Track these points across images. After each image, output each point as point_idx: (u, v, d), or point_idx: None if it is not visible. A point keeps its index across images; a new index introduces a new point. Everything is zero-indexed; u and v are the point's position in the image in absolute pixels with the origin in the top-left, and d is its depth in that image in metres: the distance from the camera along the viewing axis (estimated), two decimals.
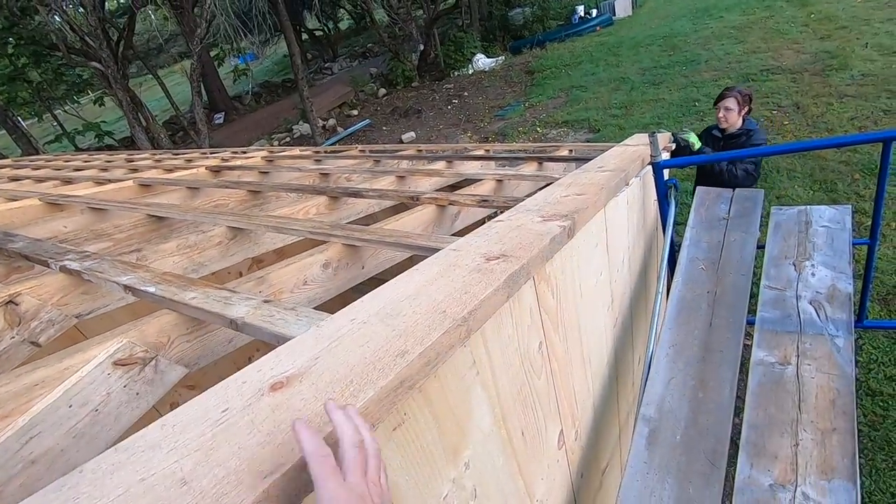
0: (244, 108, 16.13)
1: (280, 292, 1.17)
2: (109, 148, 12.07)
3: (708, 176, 2.87)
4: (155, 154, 5.53)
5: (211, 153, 5.11)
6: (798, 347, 1.51)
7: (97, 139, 12.02)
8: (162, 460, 0.52)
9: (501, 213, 1.40)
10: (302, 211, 1.90)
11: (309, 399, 0.61)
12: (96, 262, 1.23)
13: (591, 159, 2.80)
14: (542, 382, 1.20)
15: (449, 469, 0.83)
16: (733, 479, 1.32)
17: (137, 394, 0.87)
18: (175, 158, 4.57)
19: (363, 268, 1.42)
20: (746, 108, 2.81)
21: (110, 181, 2.94)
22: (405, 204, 2.85)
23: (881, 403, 2.42)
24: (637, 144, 1.93)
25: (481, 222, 2.72)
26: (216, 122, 15.00)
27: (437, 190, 2.26)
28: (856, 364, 1.51)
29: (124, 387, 0.85)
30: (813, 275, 1.68)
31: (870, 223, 3.44)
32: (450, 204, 1.70)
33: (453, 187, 2.51)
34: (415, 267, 0.96)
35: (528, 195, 2.22)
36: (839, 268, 1.67)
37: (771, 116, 5.50)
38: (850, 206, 1.86)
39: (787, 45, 7.56)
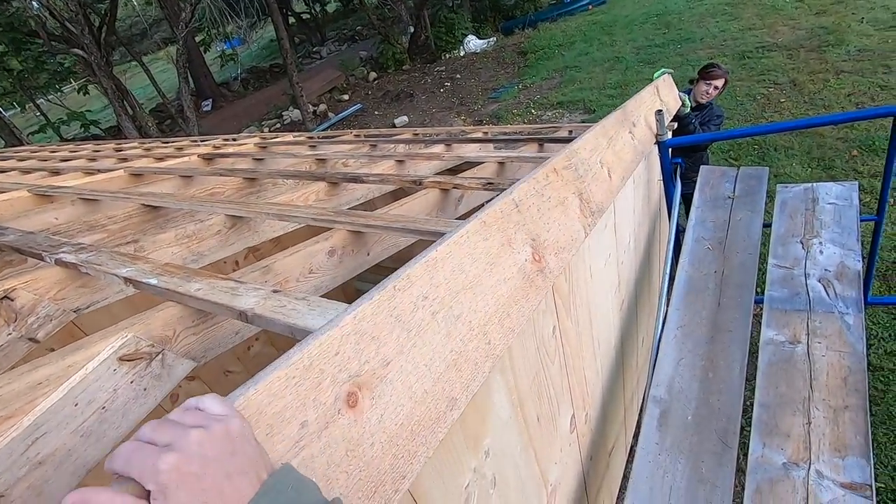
0: (232, 95, 15.84)
1: (286, 281, 1.14)
2: (95, 138, 11.84)
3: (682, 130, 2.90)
4: (144, 143, 5.41)
5: (202, 141, 5.01)
6: (808, 326, 1.50)
7: (83, 129, 11.76)
8: None
9: None
10: (301, 197, 1.86)
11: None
12: (93, 255, 1.19)
13: None
14: (556, 367, 1.18)
15: (470, 458, 0.81)
16: (745, 458, 1.32)
17: (145, 389, 0.84)
18: (165, 147, 4.48)
19: (368, 254, 1.38)
20: (722, 90, 2.90)
21: (100, 171, 2.87)
22: (404, 189, 2.81)
23: (882, 378, 2.44)
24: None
25: (481, 206, 2.68)
26: (204, 108, 14.73)
27: (437, 173, 2.22)
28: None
29: (131, 382, 0.82)
30: (821, 252, 1.67)
31: (868, 200, 3.44)
32: (454, 188, 1.66)
33: (453, 171, 2.47)
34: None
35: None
36: (847, 245, 1.65)
37: (768, 94, 5.46)
38: (856, 183, 1.85)
39: (782, 21, 7.49)
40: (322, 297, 0.95)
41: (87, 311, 1.18)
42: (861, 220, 1.76)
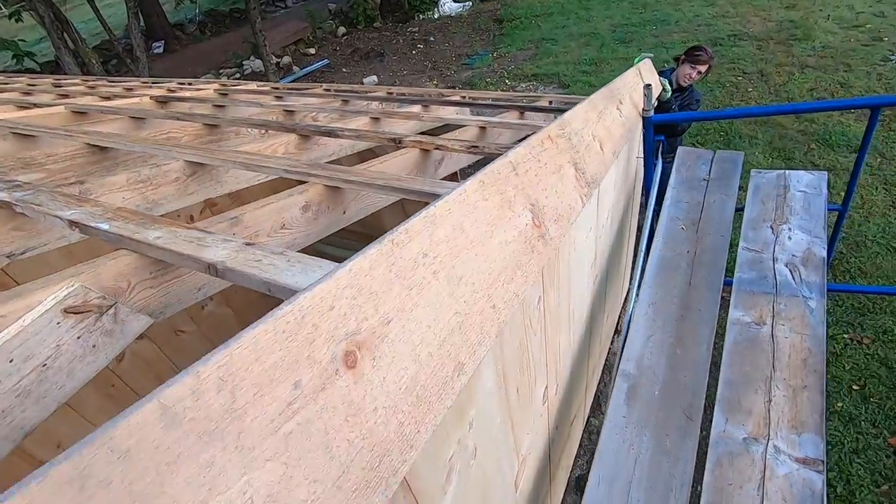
0: (187, 38, 14.73)
1: (256, 235, 1.04)
2: (30, 72, 10.75)
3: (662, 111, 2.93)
4: (87, 80, 4.95)
5: (154, 83, 4.62)
6: (773, 308, 1.54)
7: (14, 60, 10.63)
8: None
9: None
10: (269, 149, 1.73)
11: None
12: (30, 194, 1.05)
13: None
14: (538, 339, 1.15)
15: (456, 430, 0.77)
16: (708, 432, 1.36)
17: (94, 346, 0.75)
18: (112, 86, 4.10)
19: (345, 212, 1.30)
20: (706, 74, 2.92)
21: (37, 106, 2.58)
22: (374, 150, 2.69)
23: None
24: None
25: (462, 169, 2.61)
26: (155, 50, 13.65)
27: (417, 134, 2.12)
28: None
29: (77, 338, 0.72)
30: (789, 238, 1.71)
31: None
32: (436, 148, 1.58)
33: (429, 133, 2.37)
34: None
35: (514, 143, 2.13)
36: (814, 232, 1.70)
37: (736, 82, 5.57)
38: (826, 173, 1.90)
39: (754, 11, 7.61)
40: None
41: (23, 257, 1.04)
42: (827, 209, 1.81)
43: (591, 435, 2.55)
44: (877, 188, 3.65)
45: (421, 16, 12.10)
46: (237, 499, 0.38)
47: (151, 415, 0.35)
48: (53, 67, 11.36)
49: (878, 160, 3.91)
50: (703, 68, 2.76)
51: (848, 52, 5.63)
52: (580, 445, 2.46)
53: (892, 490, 2.07)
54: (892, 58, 5.30)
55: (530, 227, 0.88)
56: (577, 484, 2.34)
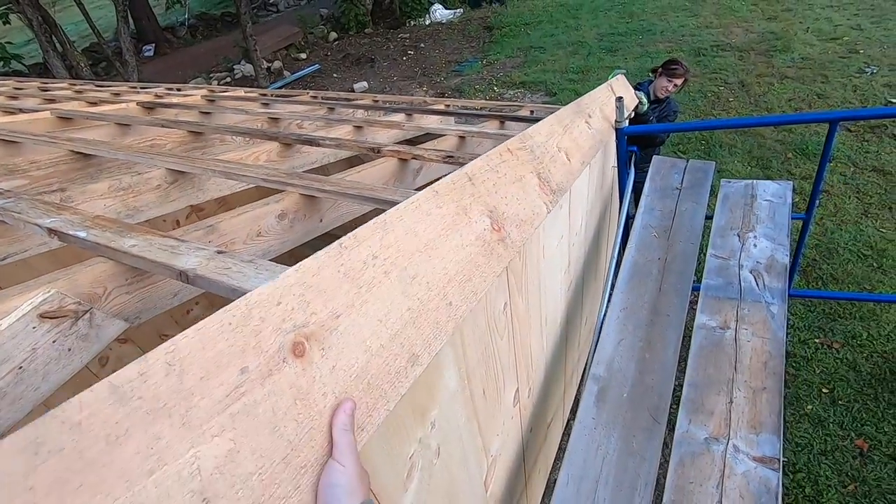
0: (178, 42, 14.70)
1: (232, 243, 1.08)
2: (17, 74, 10.68)
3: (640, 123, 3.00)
4: (74, 84, 4.94)
5: (142, 88, 4.63)
6: (737, 313, 1.60)
7: (1, 63, 10.57)
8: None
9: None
10: (252, 157, 1.76)
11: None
12: (11, 201, 1.08)
13: None
14: (505, 342, 1.20)
15: (416, 428, 0.81)
16: (673, 432, 1.41)
17: (69, 350, 0.78)
18: (99, 91, 4.11)
19: (321, 220, 1.34)
20: (682, 86, 2.99)
21: (22, 111, 2.60)
22: (360, 157, 2.73)
23: (794, 364, 2.68)
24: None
25: (436, 180, 2.65)
26: (146, 53, 13.61)
27: (397, 143, 2.17)
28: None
29: (53, 342, 0.76)
30: (755, 246, 1.78)
31: (797, 200, 3.70)
32: (413, 158, 1.63)
33: (411, 142, 2.42)
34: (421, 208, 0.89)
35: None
36: (778, 240, 1.77)
37: (718, 92, 5.69)
38: (791, 183, 1.97)
39: (737, 22, 7.78)
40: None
41: (3, 263, 1.07)
42: (791, 218, 1.88)
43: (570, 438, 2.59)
44: (849, 197, 3.75)
45: (412, 22, 12.19)
46: (185, 468, 0.42)
47: (102, 392, 0.40)
48: (41, 70, 11.29)
49: (852, 170, 4.03)
50: (678, 81, 2.84)
51: (826, 64, 5.78)
52: (559, 448, 2.50)
53: (858, 489, 2.14)
54: (867, 70, 5.45)
55: (489, 231, 0.93)
56: (555, 487, 2.38)
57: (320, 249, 0.80)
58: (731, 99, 5.50)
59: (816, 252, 3.30)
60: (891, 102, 4.75)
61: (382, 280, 0.69)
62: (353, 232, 0.70)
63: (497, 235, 0.95)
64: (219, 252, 0.83)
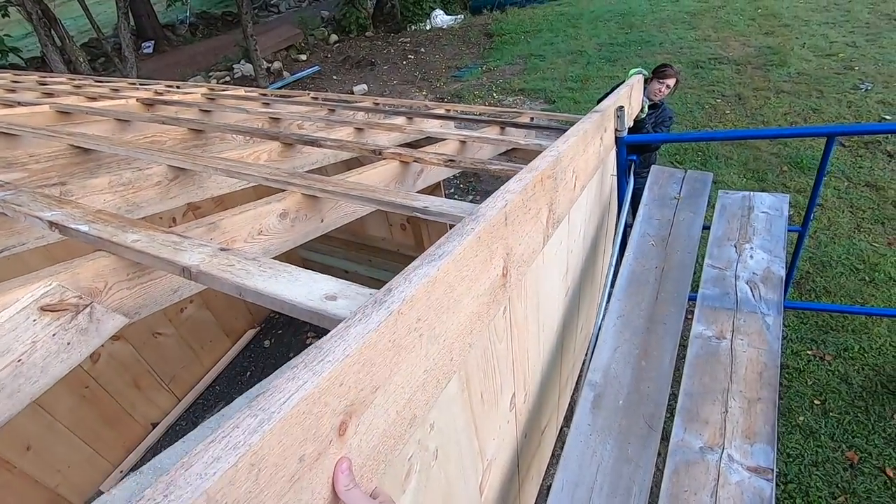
0: (177, 39, 14.68)
1: (233, 241, 1.08)
2: (14, 67, 10.61)
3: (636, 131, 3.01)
4: (73, 79, 4.92)
5: (141, 84, 4.62)
6: (734, 323, 1.61)
7: None
8: None
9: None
10: (252, 156, 1.76)
11: None
12: (11, 194, 1.07)
13: (551, 128, 2.79)
14: (503, 347, 1.20)
15: (416, 430, 0.81)
16: (668, 440, 1.42)
17: (69, 344, 0.78)
18: (99, 86, 4.09)
19: (322, 221, 1.34)
20: (674, 90, 3.04)
21: (20, 104, 2.58)
22: (359, 159, 2.73)
23: (786, 375, 2.69)
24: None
25: (437, 184, 2.66)
26: (145, 50, 13.57)
27: (398, 146, 2.17)
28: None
29: (53, 335, 0.75)
30: (751, 257, 1.79)
31: (792, 213, 3.73)
32: (414, 161, 1.64)
33: (411, 145, 2.43)
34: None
35: (491, 158, 2.19)
36: (775, 252, 1.79)
37: (715, 104, 5.75)
38: (787, 196, 1.99)
39: (734, 36, 7.87)
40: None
41: (0, 256, 1.06)
42: (787, 230, 1.90)
43: (564, 445, 2.59)
44: (843, 210, 3.80)
45: (413, 27, 12.24)
46: None
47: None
48: (39, 64, 11.22)
49: (846, 184, 4.07)
50: (670, 82, 2.87)
51: (821, 80, 5.86)
52: (552, 454, 2.50)
53: (848, 501, 2.15)
54: (862, 86, 5.52)
55: (499, 278, 0.92)
56: (550, 493, 2.38)
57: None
58: (727, 111, 5.56)
59: (810, 265, 3.33)
60: (885, 119, 4.81)
61: (416, 344, 0.67)
62: (406, 293, 0.65)
63: (502, 281, 0.94)
64: (222, 249, 0.83)
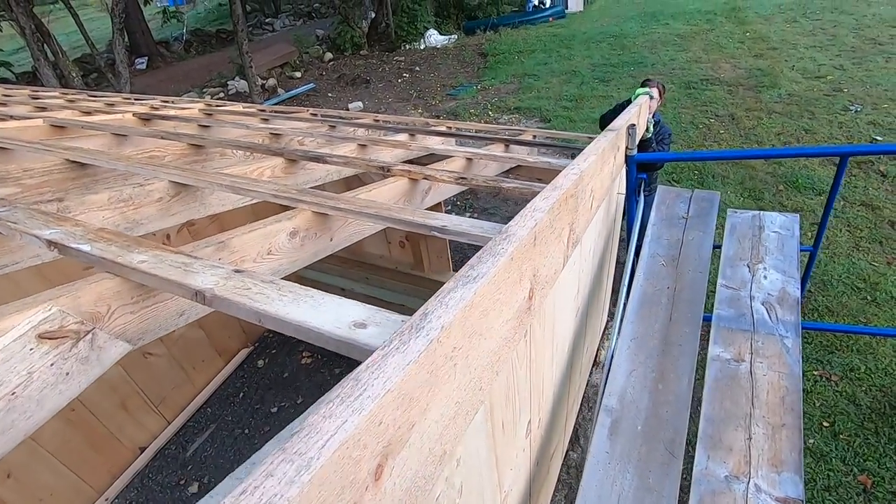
0: (171, 56, 14.70)
1: (242, 261, 1.02)
2: (5, 82, 10.52)
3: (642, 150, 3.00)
4: (66, 93, 4.86)
5: (136, 99, 4.57)
6: (752, 345, 1.57)
7: None
8: None
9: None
10: (255, 172, 1.71)
11: None
12: (6, 210, 1.01)
13: (554, 146, 2.78)
14: (523, 372, 1.15)
15: (445, 467, 0.75)
16: (690, 469, 1.36)
17: (67, 374, 0.71)
18: (93, 101, 4.04)
19: (331, 240, 1.28)
20: (662, 100, 2.98)
21: (12, 118, 2.52)
22: (360, 177, 2.68)
23: None
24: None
25: (439, 203, 2.62)
26: (138, 66, 13.57)
27: (404, 162, 2.14)
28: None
29: (51, 365, 0.69)
30: (765, 277, 1.76)
31: None
32: (424, 178, 1.60)
33: (414, 162, 2.39)
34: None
35: (498, 175, 2.16)
36: (788, 272, 1.76)
37: (709, 124, 5.82)
38: (797, 216, 1.97)
39: (725, 58, 8.03)
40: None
41: None
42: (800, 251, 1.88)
43: (570, 469, 2.52)
44: (841, 230, 3.82)
45: (407, 46, 12.37)
46: None
47: None
48: (30, 79, 11.15)
49: (841, 203, 4.10)
50: (654, 92, 2.83)
51: (812, 101, 5.96)
52: (558, 479, 2.42)
53: None
54: (852, 108, 5.63)
55: (525, 301, 0.87)
56: None
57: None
58: (721, 131, 5.62)
59: (812, 284, 3.32)
60: (876, 139, 4.89)
61: (451, 374, 0.63)
62: (443, 320, 0.60)
63: (528, 304, 0.89)
64: (236, 271, 0.77)
